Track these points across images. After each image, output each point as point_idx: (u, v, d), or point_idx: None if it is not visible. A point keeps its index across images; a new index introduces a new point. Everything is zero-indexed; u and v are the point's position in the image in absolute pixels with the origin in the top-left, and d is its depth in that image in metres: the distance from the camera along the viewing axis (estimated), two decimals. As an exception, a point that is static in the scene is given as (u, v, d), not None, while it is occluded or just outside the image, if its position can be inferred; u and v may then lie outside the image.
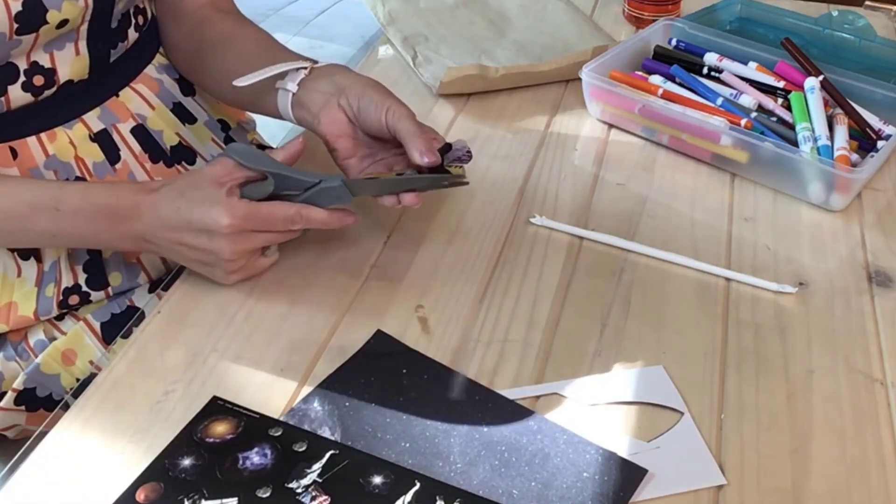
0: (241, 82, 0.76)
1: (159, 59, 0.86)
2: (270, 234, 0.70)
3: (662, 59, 0.99)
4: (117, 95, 0.81)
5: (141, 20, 0.83)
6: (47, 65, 0.73)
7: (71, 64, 0.75)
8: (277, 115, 0.81)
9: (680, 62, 0.98)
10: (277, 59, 0.79)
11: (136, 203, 0.68)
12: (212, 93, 0.91)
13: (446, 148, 0.75)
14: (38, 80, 0.73)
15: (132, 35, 0.81)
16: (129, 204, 0.68)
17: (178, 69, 0.91)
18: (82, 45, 0.75)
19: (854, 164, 0.83)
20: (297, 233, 0.72)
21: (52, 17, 0.70)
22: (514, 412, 0.61)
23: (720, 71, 0.96)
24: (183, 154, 0.86)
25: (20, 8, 0.67)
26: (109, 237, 0.70)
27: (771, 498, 0.56)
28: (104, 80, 0.79)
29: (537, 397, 0.63)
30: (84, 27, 0.74)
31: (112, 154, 0.80)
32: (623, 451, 0.58)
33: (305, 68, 0.77)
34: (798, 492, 0.57)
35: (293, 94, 0.77)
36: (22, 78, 0.72)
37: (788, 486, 0.57)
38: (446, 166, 0.75)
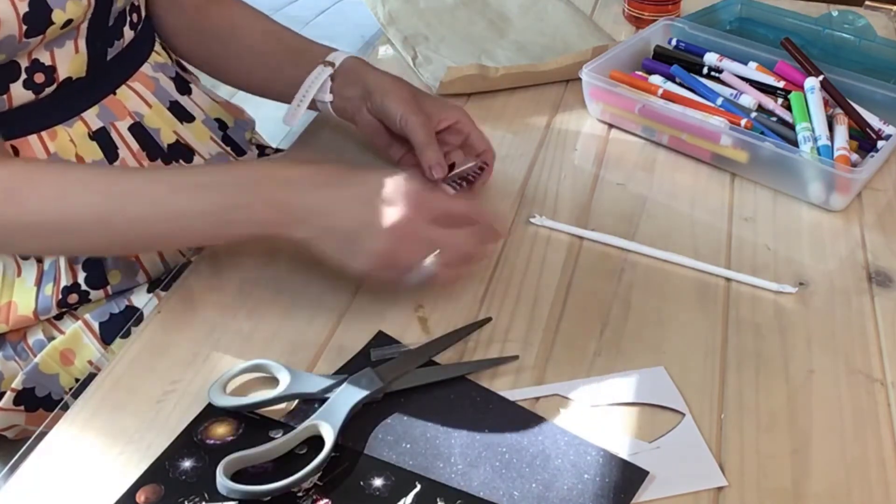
0: (291, 122, 0.84)
1: (155, 57, 0.86)
2: (453, 238, 0.66)
3: (662, 59, 0.99)
4: (115, 93, 0.81)
5: (135, 18, 0.83)
6: (48, 62, 0.73)
7: (70, 62, 0.75)
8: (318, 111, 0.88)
9: (680, 62, 0.98)
10: (289, 54, 0.87)
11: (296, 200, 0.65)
12: (230, 84, 0.94)
13: (449, 168, 0.79)
14: (39, 78, 0.73)
15: (128, 33, 0.81)
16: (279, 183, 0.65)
17: (183, 59, 0.92)
18: (81, 42, 0.75)
19: (854, 164, 0.83)
20: (468, 258, 0.68)
21: (57, 17, 0.70)
22: (514, 413, 0.61)
23: (720, 71, 0.96)
24: (180, 152, 0.86)
25: (27, 9, 0.68)
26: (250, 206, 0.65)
27: (771, 498, 0.56)
28: (102, 78, 0.79)
29: (538, 398, 0.63)
30: (84, 25, 0.75)
31: (110, 152, 0.80)
32: (624, 453, 0.58)
33: (331, 74, 0.83)
34: (798, 492, 0.57)
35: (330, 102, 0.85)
36: (23, 76, 0.72)
37: (788, 486, 0.57)
38: (450, 182, 0.78)
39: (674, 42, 1.02)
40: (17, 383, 0.77)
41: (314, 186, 0.65)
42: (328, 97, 0.84)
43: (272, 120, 1.01)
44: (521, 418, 0.61)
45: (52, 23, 0.70)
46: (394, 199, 0.64)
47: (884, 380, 0.65)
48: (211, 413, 0.61)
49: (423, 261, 0.66)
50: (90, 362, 0.77)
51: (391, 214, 0.64)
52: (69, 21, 0.71)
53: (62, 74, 0.75)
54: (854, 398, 0.63)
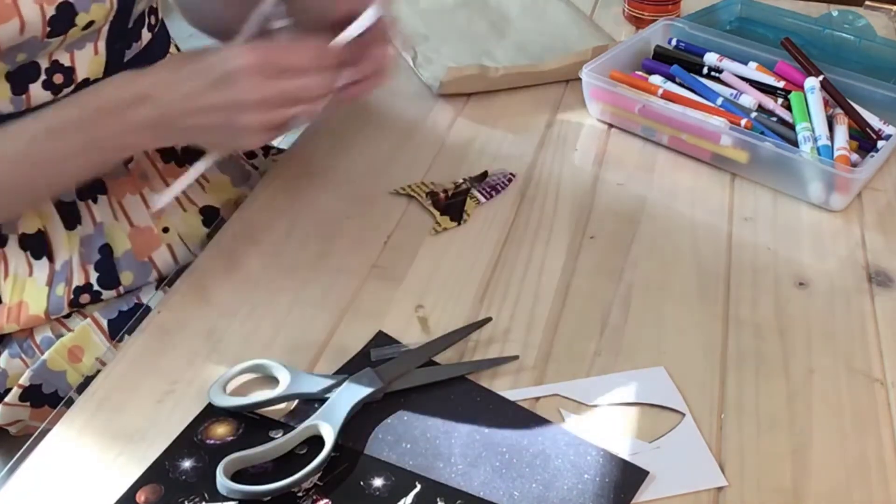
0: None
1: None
2: (298, 79, 0.65)
3: (662, 59, 0.99)
4: None
5: (153, 20, 0.83)
6: (67, 63, 0.74)
7: (89, 63, 0.75)
8: None
9: (680, 62, 0.98)
10: None
11: (134, 88, 0.66)
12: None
13: (482, 176, 0.82)
14: (58, 79, 0.73)
15: (145, 35, 0.82)
16: (129, 93, 0.66)
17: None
18: (101, 44, 0.76)
19: (854, 164, 0.83)
20: (325, 88, 0.67)
21: (81, 19, 0.70)
22: (514, 413, 0.61)
23: (720, 71, 0.96)
24: (194, 155, 0.86)
25: (54, 12, 0.68)
26: (122, 133, 0.67)
27: (771, 498, 0.56)
28: None
29: (538, 398, 0.63)
30: (105, 28, 0.75)
31: None
32: (624, 453, 0.58)
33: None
34: (798, 492, 0.57)
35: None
36: (43, 76, 0.72)
37: (788, 486, 0.57)
38: (480, 189, 0.82)
39: (674, 42, 1.02)
40: (24, 379, 0.77)
41: (168, 89, 0.65)
42: (284, 22, 0.79)
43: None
44: (521, 418, 0.61)
45: (75, 24, 0.70)
46: (238, 71, 0.63)
47: (884, 380, 0.65)
48: (211, 413, 0.61)
49: (296, 109, 0.66)
50: (99, 360, 0.77)
51: (245, 88, 0.63)
52: (91, 23, 0.72)
53: (80, 75, 0.75)
54: (854, 398, 0.63)
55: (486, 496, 0.55)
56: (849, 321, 0.70)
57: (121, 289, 0.79)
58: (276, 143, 1.08)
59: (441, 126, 0.95)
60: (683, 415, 0.61)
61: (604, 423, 0.61)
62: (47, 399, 0.78)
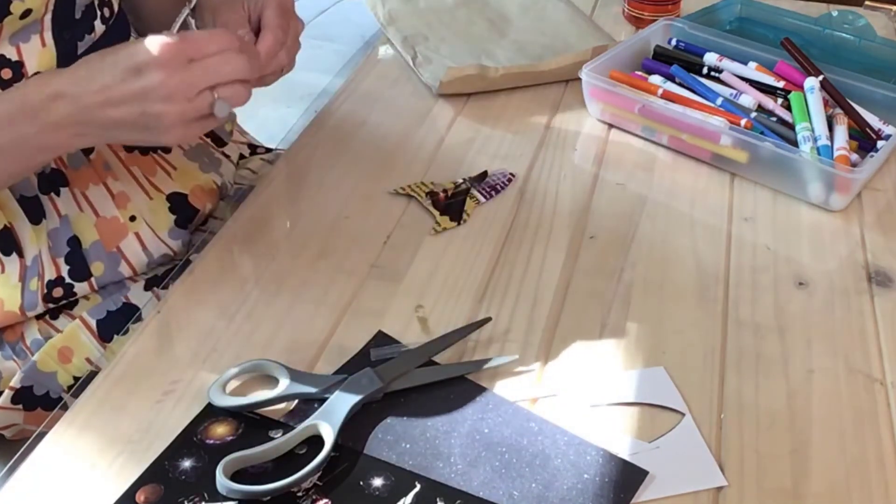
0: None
1: None
2: (210, 62, 0.64)
3: (662, 59, 0.99)
4: None
5: (107, 12, 0.82)
6: (14, 58, 0.73)
7: (38, 56, 0.74)
8: None
9: (680, 62, 0.98)
10: None
11: (51, 87, 0.65)
12: None
13: (482, 176, 0.83)
14: (7, 74, 0.73)
15: (98, 27, 0.81)
16: (46, 92, 0.65)
17: None
18: (48, 36, 0.75)
19: (854, 164, 0.83)
20: (240, 68, 0.65)
21: (16, 7, 0.70)
22: (514, 413, 0.61)
23: (720, 71, 0.96)
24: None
25: None
26: (41, 133, 0.66)
27: (771, 498, 0.56)
28: None
29: (537, 398, 0.63)
30: (48, 17, 0.74)
31: (87, 148, 0.79)
32: (624, 453, 0.58)
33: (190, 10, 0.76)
34: (798, 492, 0.57)
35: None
36: None
37: (788, 486, 0.57)
38: (480, 189, 0.83)
39: (674, 42, 1.02)
40: (15, 381, 0.77)
41: (82, 84, 0.64)
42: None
43: (272, 120, 1.01)
44: (521, 418, 0.61)
45: (10, 13, 0.69)
46: (148, 61, 0.62)
47: (884, 380, 0.65)
48: (211, 413, 0.61)
49: (214, 96, 0.64)
50: (88, 360, 0.77)
51: (155, 80, 0.62)
52: (28, 11, 0.71)
53: (31, 69, 0.74)
54: (854, 398, 0.63)
55: (485, 496, 0.55)
56: (848, 321, 0.70)
57: (93, 281, 0.79)
58: (274, 143, 1.08)
59: (441, 126, 0.96)
60: (683, 415, 0.61)
61: (604, 423, 0.61)
62: (39, 401, 0.78)
